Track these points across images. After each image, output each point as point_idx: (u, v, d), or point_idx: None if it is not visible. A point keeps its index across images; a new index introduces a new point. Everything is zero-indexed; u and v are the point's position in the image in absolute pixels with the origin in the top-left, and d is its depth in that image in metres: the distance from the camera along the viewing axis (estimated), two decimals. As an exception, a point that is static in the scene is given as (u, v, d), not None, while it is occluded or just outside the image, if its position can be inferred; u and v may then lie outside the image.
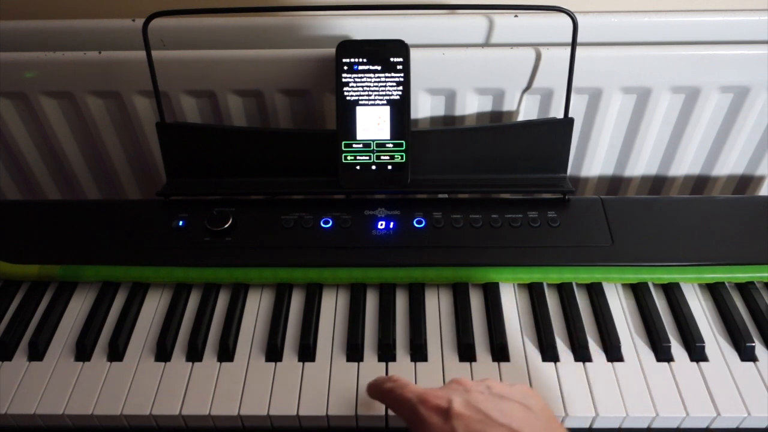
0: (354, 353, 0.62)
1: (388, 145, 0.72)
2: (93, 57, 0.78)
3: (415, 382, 0.59)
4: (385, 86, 0.71)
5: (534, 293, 0.67)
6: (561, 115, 0.74)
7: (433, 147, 0.74)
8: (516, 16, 0.80)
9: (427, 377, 0.60)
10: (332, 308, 0.67)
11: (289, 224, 0.71)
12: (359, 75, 0.71)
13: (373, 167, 0.72)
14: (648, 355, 0.62)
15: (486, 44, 0.81)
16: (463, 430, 0.45)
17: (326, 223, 0.71)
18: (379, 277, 0.68)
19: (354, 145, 0.72)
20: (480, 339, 0.64)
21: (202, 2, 0.74)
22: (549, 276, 0.67)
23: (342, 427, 0.59)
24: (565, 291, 0.67)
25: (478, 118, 0.83)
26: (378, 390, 0.53)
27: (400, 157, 0.72)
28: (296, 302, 0.68)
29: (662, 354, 0.62)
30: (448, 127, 0.84)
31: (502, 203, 0.73)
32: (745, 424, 0.58)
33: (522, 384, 0.51)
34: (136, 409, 0.58)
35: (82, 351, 0.63)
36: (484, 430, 0.44)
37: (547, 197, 0.74)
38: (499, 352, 0.62)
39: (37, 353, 0.63)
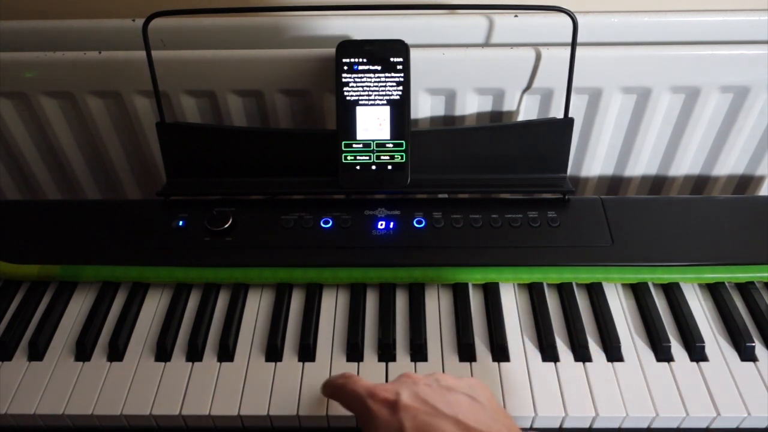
0: (354, 353, 0.62)
1: (388, 145, 0.72)
2: (93, 57, 0.78)
3: (415, 382, 0.60)
4: (385, 86, 0.71)
5: (534, 293, 0.67)
6: (561, 115, 0.74)
7: (433, 147, 0.74)
8: (516, 16, 0.80)
9: (427, 377, 0.60)
10: (332, 308, 0.67)
11: (289, 224, 0.71)
12: (359, 75, 0.71)
13: (373, 167, 0.72)
14: (648, 355, 0.62)
15: (486, 44, 0.81)
16: (411, 422, 0.45)
17: (326, 223, 0.71)
18: (379, 277, 0.68)
19: (354, 145, 0.72)
20: (480, 339, 0.64)
21: (202, 2, 0.74)
22: (549, 276, 0.67)
23: (342, 427, 0.59)
24: (565, 291, 0.67)
25: (478, 118, 0.83)
26: (331, 387, 0.53)
27: (400, 157, 0.72)
28: (296, 302, 0.68)
29: (662, 354, 0.62)
30: (448, 127, 0.84)
31: (502, 203, 0.73)
32: (745, 424, 0.58)
33: (471, 377, 0.52)
34: (136, 409, 0.58)
35: (82, 351, 0.63)
36: (430, 422, 0.45)
37: (547, 197, 0.74)
38: (499, 352, 0.62)
39: (37, 353, 0.63)
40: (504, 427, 0.46)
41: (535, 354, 0.62)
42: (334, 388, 0.53)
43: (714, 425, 0.58)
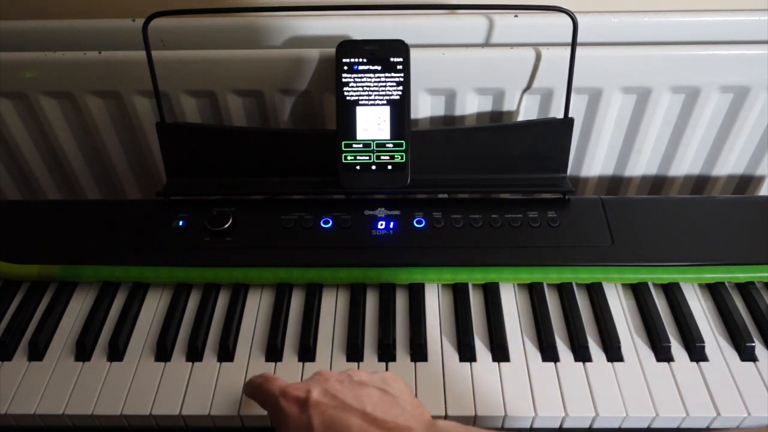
0: (354, 353, 0.62)
1: (388, 145, 0.72)
2: (93, 57, 0.78)
3: (415, 383, 0.60)
4: (385, 86, 0.71)
5: (534, 293, 0.67)
6: (561, 115, 0.74)
7: (433, 147, 0.74)
8: (516, 16, 0.80)
9: (427, 377, 0.60)
10: (332, 308, 0.67)
11: (289, 224, 0.71)
12: (359, 75, 0.71)
13: (373, 167, 0.72)
14: (648, 355, 0.62)
15: (486, 44, 0.81)
16: (319, 418, 0.46)
17: (326, 223, 0.71)
18: (379, 277, 0.68)
19: (354, 145, 0.72)
20: (480, 339, 0.64)
21: (202, 2, 0.74)
22: (549, 276, 0.67)
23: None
24: (565, 291, 0.67)
25: (478, 118, 0.83)
26: (250, 386, 0.54)
27: (400, 157, 0.72)
28: (296, 302, 0.68)
29: (662, 354, 0.62)
30: (448, 127, 0.84)
31: (502, 203, 0.73)
32: (745, 424, 0.58)
33: (385, 371, 0.52)
34: (136, 409, 0.58)
35: (82, 351, 0.63)
36: (338, 415, 0.46)
37: (547, 197, 0.74)
38: (499, 352, 0.62)
39: (37, 353, 0.63)
40: (412, 418, 0.46)
41: (535, 354, 0.62)
42: (252, 388, 0.53)
43: (714, 425, 0.58)
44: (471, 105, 0.82)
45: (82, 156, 0.91)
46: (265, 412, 0.57)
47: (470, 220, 0.71)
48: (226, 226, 0.70)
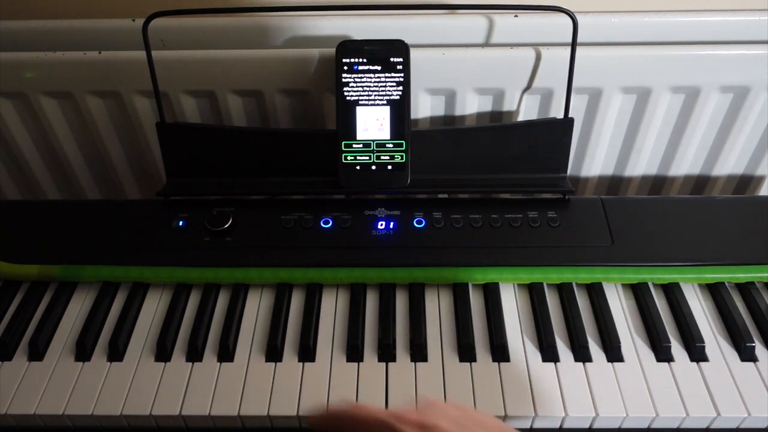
0: (354, 353, 0.62)
1: (388, 145, 0.72)
2: (93, 57, 0.78)
3: (415, 383, 0.60)
4: (385, 86, 0.71)
5: (534, 293, 0.67)
6: (561, 115, 0.74)
7: (433, 147, 0.74)
8: (516, 16, 0.80)
9: (427, 377, 0.60)
10: (332, 308, 0.67)
11: (289, 224, 0.71)
12: (359, 75, 0.71)
13: (373, 167, 0.72)
14: (648, 355, 0.62)
15: (486, 44, 0.81)
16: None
17: (326, 223, 0.71)
18: (379, 277, 0.68)
19: (354, 145, 0.72)
20: (480, 339, 0.64)
21: (202, 2, 0.74)
22: (549, 276, 0.67)
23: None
24: (565, 291, 0.67)
25: (478, 118, 0.83)
26: (327, 418, 0.49)
27: (400, 157, 0.72)
28: (296, 302, 0.68)
29: (662, 354, 0.62)
30: (448, 127, 0.84)
31: (502, 203, 0.73)
32: (745, 425, 0.58)
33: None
34: (136, 409, 0.58)
35: (82, 351, 0.63)
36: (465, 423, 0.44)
37: (547, 197, 0.74)
38: (499, 352, 0.62)
39: (37, 353, 0.63)
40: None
41: (535, 354, 0.62)
42: (338, 417, 0.48)
43: (714, 425, 0.58)
44: (471, 105, 0.82)
45: (82, 156, 0.91)
46: (265, 413, 0.57)
47: (470, 220, 0.71)
48: (226, 226, 0.70)
